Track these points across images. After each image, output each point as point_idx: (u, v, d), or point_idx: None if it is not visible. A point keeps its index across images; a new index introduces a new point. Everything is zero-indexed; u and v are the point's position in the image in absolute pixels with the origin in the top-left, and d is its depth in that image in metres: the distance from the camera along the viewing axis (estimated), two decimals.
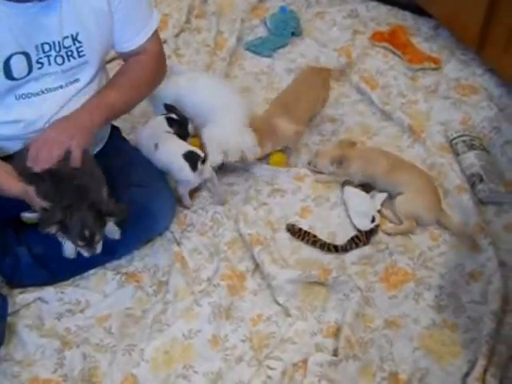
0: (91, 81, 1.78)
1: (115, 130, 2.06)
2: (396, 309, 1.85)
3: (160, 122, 2.12)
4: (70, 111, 1.71)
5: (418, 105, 2.53)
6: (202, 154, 1.99)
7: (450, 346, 1.76)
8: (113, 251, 1.88)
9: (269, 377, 1.66)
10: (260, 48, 2.77)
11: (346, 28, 2.89)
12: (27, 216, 1.88)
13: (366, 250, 1.99)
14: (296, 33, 2.84)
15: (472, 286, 1.90)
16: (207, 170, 2.02)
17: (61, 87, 1.71)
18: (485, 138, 2.36)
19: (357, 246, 1.99)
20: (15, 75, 1.60)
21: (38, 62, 1.63)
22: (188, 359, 1.72)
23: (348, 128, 2.42)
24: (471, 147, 2.26)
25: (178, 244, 1.99)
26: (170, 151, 1.99)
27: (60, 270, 1.86)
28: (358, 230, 2.03)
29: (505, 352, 1.70)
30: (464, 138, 2.30)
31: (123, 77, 1.83)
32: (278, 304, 1.85)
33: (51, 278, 1.86)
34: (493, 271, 1.89)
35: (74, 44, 1.67)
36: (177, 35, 2.82)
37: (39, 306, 1.82)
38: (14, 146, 1.72)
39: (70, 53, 1.67)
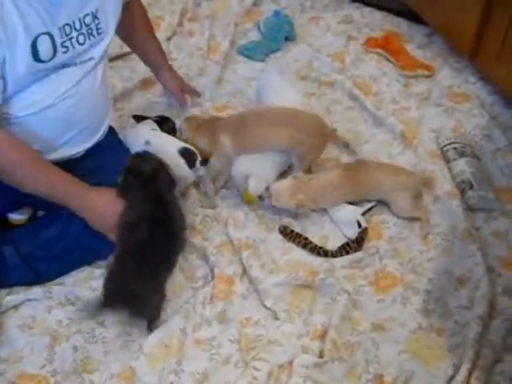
0: (103, 56, 1.81)
1: (111, 129, 2.07)
2: (383, 312, 1.85)
3: (147, 123, 2.14)
4: (85, 89, 1.75)
5: (411, 112, 2.52)
6: (196, 150, 1.99)
7: (436, 349, 1.76)
8: (99, 250, 1.87)
9: (254, 378, 1.66)
10: (253, 52, 2.76)
11: (340, 33, 2.89)
12: (14, 217, 1.88)
13: (356, 253, 1.98)
14: (289, 37, 2.84)
15: (460, 291, 1.89)
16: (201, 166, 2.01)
17: (75, 65, 1.72)
18: (476, 145, 2.36)
19: (347, 253, 1.98)
20: (42, 57, 1.60)
21: (62, 46, 1.63)
22: (179, 356, 1.72)
23: (340, 135, 2.40)
24: (462, 154, 2.26)
25: None
26: (163, 148, 1.97)
27: (47, 270, 1.85)
28: (349, 238, 2.03)
29: (490, 356, 1.70)
30: (455, 145, 2.30)
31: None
32: (266, 308, 1.85)
33: (37, 278, 1.85)
34: (480, 276, 1.89)
35: (94, 21, 1.69)
36: (169, 38, 2.80)
37: (27, 306, 1.81)
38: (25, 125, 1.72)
39: (90, 31, 1.69)
